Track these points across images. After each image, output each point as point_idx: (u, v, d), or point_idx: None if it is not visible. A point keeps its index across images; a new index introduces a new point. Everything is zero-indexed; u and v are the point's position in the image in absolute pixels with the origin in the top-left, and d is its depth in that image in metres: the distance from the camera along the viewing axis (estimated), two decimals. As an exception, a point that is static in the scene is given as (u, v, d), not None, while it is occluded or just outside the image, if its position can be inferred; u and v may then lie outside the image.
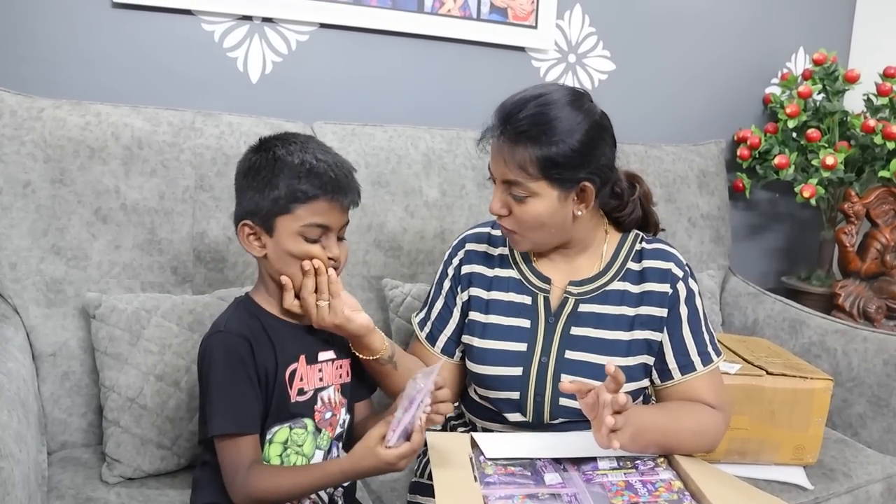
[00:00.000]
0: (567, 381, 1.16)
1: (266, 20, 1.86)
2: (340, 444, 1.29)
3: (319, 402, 1.23)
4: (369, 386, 1.36)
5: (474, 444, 1.22)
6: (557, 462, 1.17)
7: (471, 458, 1.15)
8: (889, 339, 1.87)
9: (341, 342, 1.29)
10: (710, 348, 1.33)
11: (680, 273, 1.33)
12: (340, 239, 1.23)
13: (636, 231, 1.40)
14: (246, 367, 1.16)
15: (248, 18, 1.84)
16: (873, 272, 2.34)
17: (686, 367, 1.31)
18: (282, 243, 1.18)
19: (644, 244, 1.36)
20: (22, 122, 1.47)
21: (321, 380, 1.24)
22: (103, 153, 1.51)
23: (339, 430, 1.27)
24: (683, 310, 1.32)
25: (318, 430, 1.23)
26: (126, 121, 1.55)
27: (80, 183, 1.49)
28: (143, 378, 1.40)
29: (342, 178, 1.19)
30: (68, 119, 1.51)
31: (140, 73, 1.76)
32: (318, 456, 1.24)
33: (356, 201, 1.23)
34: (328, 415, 1.24)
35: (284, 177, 1.16)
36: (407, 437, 1.07)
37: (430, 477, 1.31)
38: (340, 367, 1.28)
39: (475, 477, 1.10)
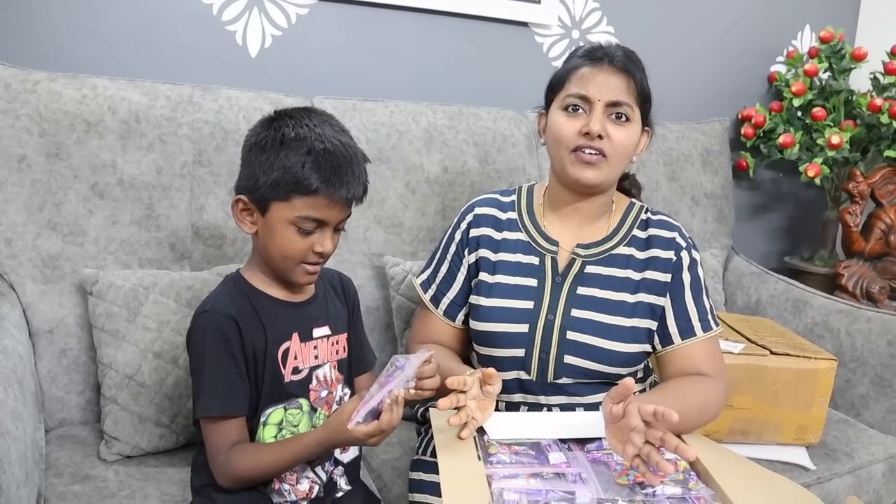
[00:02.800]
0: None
1: (265, -7, 1.83)
2: None
3: (315, 381, 1.21)
4: (370, 358, 1.34)
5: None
6: (562, 441, 1.17)
7: (474, 438, 1.14)
8: (893, 319, 1.86)
9: (337, 317, 1.27)
10: (709, 316, 1.37)
11: (683, 243, 1.38)
12: (337, 230, 1.17)
13: (640, 202, 1.45)
14: (231, 348, 1.13)
15: (246, -10, 1.81)
16: (877, 252, 2.33)
17: (686, 331, 1.34)
18: (272, 228, 1.13)
19: (650, 214, 1.42)
20: (16, 95, 1.45)
21: (316, 357, 1.22)
22: (100, 127, 1.49)
23: (335, 406, 1.25)
24: (686, 276, 1.36)
25: (313, 409, 1.22)
26: (123, 94, 1.53)
27: (76, 157, 1.47)
28: (141, 355, 1.38)
29: (348, 173, 1.12)
30: (64, 92, 1.48)
31: (137, 46, 1.73)
32: None
33: (360, 198, 1.17)
34: (324, 393, 1.23)
35: (287, 162, 1.09)
36: (376, 415, 1.05)
37: (432, 454, 1.30)
38: (336, 342, 1.26)
39: (479, 456, 1.09)
